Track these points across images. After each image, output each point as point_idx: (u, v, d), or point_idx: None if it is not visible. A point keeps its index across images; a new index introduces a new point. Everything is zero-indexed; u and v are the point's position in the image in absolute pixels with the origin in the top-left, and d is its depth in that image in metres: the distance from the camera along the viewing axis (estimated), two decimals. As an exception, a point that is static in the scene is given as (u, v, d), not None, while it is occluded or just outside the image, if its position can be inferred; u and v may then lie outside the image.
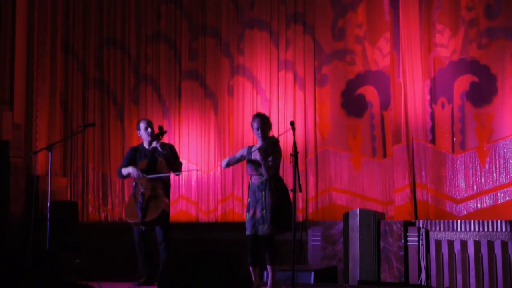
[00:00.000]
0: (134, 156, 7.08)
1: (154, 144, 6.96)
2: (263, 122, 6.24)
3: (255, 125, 6.25)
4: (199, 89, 9.06)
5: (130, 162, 7.04)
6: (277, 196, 6.13)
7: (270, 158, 6.14)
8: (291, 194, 6.10)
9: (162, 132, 6.98)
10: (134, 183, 6.97)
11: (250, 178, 6.30)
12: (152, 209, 6.77)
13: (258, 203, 6.14)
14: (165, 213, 6.89)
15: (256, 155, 6.20)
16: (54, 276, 5.04)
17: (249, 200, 6.27)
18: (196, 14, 9.17)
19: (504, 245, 6.89)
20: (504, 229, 6.91)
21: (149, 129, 7.03)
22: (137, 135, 9.05)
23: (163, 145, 7.02)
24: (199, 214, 8.85)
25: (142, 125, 7.09)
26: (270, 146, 6.19)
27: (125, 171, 7.00)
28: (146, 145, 7.10)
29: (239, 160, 6.40)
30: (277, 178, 6.24)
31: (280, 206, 6.12)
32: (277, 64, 8.67)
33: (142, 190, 6.76)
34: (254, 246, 6.19)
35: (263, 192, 6.13)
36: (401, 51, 7.95)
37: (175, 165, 7.06)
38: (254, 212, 6.16)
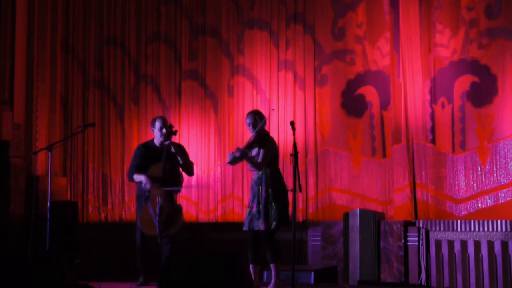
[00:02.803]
0: (145, 154, 7.03)
1: (166, 143, 6.92)
2: (254, 118, 6.31)
3: (247, 121, 6.39)
4: (199, 89, 9.06)
5: (142, 161, 6.98)
6: (272, 191, 6.15)
7: (257, 152, 6.18)
8: (290, 194, 6.11)
9: (172, 132, 6.94)
10: (147, 193, 6.90)
11: (252, 175, 6.39)
12: (172, 223, 6.74)
13: (255, 198, 6.22)
14: (184, 226, 6.87)
15: (251, 152, 6.27)
16: (54, 276, 5.04)
17: (250, 196, 6.37)
18: (196, 14, 9.17)
19: (504, 245, 6.89)
20: (504, 229, 6.91)
21: (164, 130, 7.00)
22: (137, 135, 9.15)
23: (177, 145, 7.00)
24: (199, 214, 8.85)
25: (158, 124, 7.06)
26: (257, 139, 6.24)
27: (137, 178, 6.95)
28: (157, 142, 7.07)
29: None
30: (275, 173, 6.25)
31: (276, 201, 6.14)
32: (277, 64, 8.67)
33: (160, 202, 6.70)
34: (253, 243, 6.24)
35: (259, 187, 6.19)
36: (401, 51, 7.95)
37: (189, 168, 7.08)
38: (252, 208, 6.22)
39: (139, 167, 6.99)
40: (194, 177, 8.86)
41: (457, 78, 7.78)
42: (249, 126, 6.37)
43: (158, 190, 6.78)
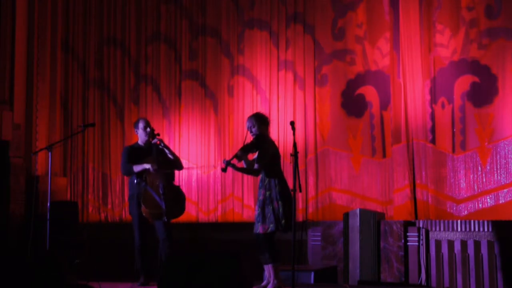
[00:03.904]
0: (133, 154, 7.08)
1: (154, 141, 7.01)
2: (251, 122, 6.30)
3: (247, 124, 6.38)
4: (199, 89, 9.06)
5: (131, 160, 7.04)
6: (270, 194, 6.14)
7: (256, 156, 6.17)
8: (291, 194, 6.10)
9: (154, 135, 7.04)
10: (137, 181, 6.96)
11: None
12: (177, 202, 6.91)
13: (256, 202, 6.23)
14: (184, 208, 7.02)
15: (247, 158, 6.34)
16: (54, 276, 5.04)
17: None
18: (196, 14, 9.17)
19: (504, 245, 6.89)
20: (504, 229, 6.91)
21: (148, 129, 7.09)
22: (137, 135, 9.12)
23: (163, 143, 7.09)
24: (199, 214, 8.85)
25: (141, 125, 7.16)
26: (251, 142, 6.23)
27: (138, 167, 6.98)
28: (141, 143, 7.14)
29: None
30: (273, 176, 6.21)
31: (272, 204, 6.12)
32: (277, 64, 8.67)
33: (161, 183, 6.83)
34: (257, 245, 6.23)
35: (260, 190, 6.21)
36: (401, 51, 7.95)
37: (178, 162, 7.16)
38: (256, 211, 6.25)
39: (132, 162, 7.05)
40: (194, 177, 8.90)
41: (457, 78, 7.78)
42: (248, 129, 6.37)
43: (156, 174, 6.89)
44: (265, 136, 6.31)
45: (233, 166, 6.19)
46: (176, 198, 6.94)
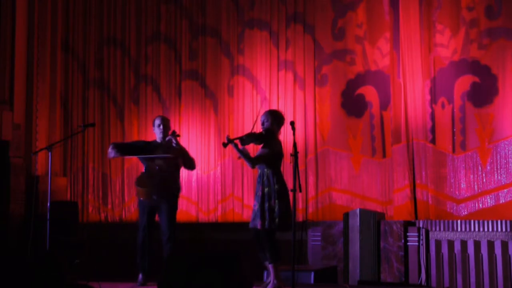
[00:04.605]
0: (145, 144, 7.25)
1: (168, 138, 7.11)
2: (266, 117, 6.34)
3: (261, 118, 6.39)
4: (199, 89, 9.06)
5: (137, 144, 7.31)
6: (269, 191, 6.14)
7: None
8: (291, 194, 6.10)
9: (174, 135, 7.09)
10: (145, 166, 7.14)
11: None
12: (168, 183, 7.15)
13: (256, 196, 6.23)
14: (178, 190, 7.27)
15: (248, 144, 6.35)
16: (54, 276, 5.04)
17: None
18: (196, 14, 9.17)
19: (504, 245, 6.89)
20: (504, 229, 6.91)
21: (161, 126, 7.21)
22: (137, 135, 9.19)
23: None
24: (199, 214, 8.85)
25: (157, 122, 7.30)
26: (259, 134, 6.22)
27: (109, 149, 7.20)
28: (158, 140, 7.27)
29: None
30: (274, 173, 6.22)
31: (270, 201, 6.12)
32: (277, 64, 8.67)
33: (158, 166, 7.05)
34: (256, 241, 6.23)
35: (258, 186, 6.21)
36: (401, 51, 7.95)
37: (190, 162, 7.31)
38: (254, 206, 6.28)
39: (127, 145, 7.32)
40: (194, 177, 8.89)
41: (458, 78, 7.78)
42: (261, 122, 6.38)
43: (157, 160, 7.09)
44: (274, 133, 6.32)
45: (235, 146, 6.19)
46: (170, 182, 7.11)
